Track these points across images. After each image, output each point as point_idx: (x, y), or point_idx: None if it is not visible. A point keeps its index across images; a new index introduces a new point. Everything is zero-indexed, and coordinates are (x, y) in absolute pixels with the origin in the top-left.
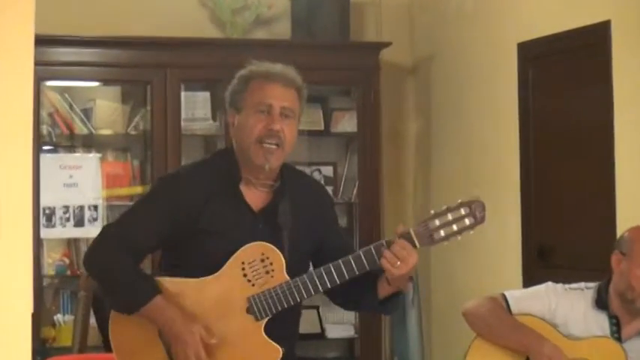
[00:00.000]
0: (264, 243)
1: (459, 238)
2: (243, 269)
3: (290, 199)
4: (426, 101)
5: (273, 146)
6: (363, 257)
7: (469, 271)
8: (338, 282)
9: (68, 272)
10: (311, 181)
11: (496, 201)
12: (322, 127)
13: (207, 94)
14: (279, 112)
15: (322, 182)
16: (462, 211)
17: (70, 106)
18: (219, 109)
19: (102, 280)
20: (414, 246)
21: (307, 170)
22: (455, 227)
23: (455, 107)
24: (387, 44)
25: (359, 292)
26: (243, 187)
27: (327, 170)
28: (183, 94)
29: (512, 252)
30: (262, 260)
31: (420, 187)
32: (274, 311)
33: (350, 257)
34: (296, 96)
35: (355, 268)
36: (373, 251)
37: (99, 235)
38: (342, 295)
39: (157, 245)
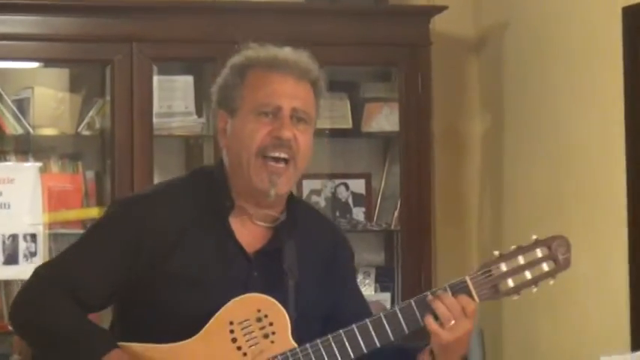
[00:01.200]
0: (262, 295)
1: (535, 289)
2: (232, 332)
3: (296, 240)
4: (496, 88)
5: (282, 164)
6: (399, 315)
7: (557, 331)
8: (365, 351)
9: None
10: (326, 221)
11: (593, 229)
12: (350, 125)
13: (189, 79)
14: (290, 115)
15: (350, 200)
16: (539, 253)
17: None
18: (207, 100)
19: (33, 338)
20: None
21: (330, 185)
22: (528, 275)
23: (535, 96)
24: (440, 9)
25: None
26: (233, 220)
27: (357, 185)
28: (156, 78)
29: (616, 303)
30: (259, 320)
31: (488, 208)
32: None
33: (382, 315)
34: (311, 93)
35: (389, 331)
36: (414, 306)
37: (29, 279)
38: None
39: (109, 296)
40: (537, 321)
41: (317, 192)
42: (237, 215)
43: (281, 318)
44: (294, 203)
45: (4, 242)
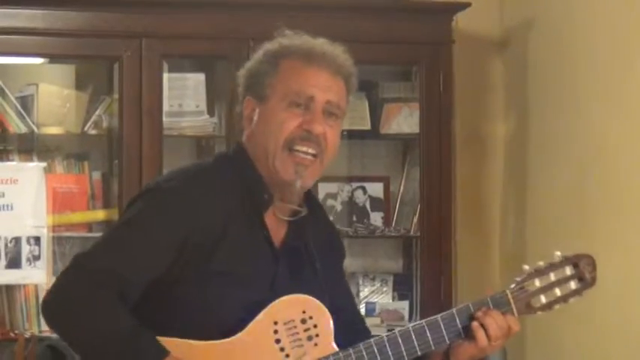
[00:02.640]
0: (307, 297)
1: (561, 306)
2: (276, 332)
3: (314, 234)
4: (520, 89)
5: (309, 156)
6: (441, 324)
7: (582, 350)
8: (406, 358)
9: None
10: (326, 216)
11: (620, 236)
12: (368, 127)
13: (200, 77)
14: (323, 109)
15: (368, 205)
16: (568, 271)
17: (2, 93)
18: (219, 99)
19: (73, 337)
20: (511, 314)
21: (347, 188)
22: (558, 292)
23: (561, 98)
24: (464, 6)
25: None
26: (265, 215)
27: (375, 189)
28: (166, 75)
29: None
30: (303, 321)
31: (511, 213)
32: None
33: (424, 323)
34: (345, 88)
35: (430, 339)
36: (456, 316)
37: (69, 270)
38: None
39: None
40: (561, 339)
41: (333, 195)
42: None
43: (325, 321)
44: (309, 197)
45: (6, 245)
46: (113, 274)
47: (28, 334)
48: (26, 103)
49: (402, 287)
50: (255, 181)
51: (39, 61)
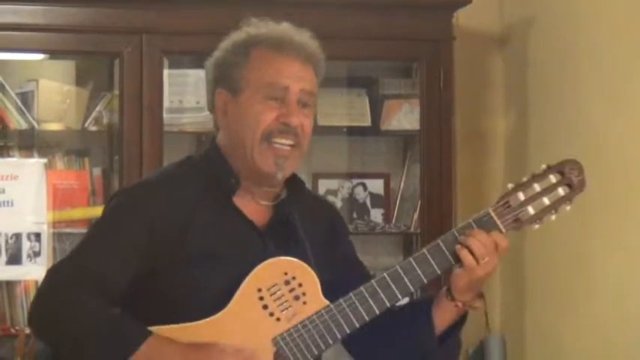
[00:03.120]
0: (287, 258)
1: (554, 216)
2: (262, 299)
3: (300, 213)
4: (521, 86)
5: (287, 147)
6: (429, 256)
7: (582, 338)
8: (400, 297)
9: None
10: (319, 197)
11: (622, 231)
12: (369, 123)
13: (201, 73)
14: (297, 99)
15: (368, 201)
16: (552, 178)
17: (2, 89)
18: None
19: (60, 341)
20: (500, 232)
21: (347, 185)
22: (546, 201)
23: (562, 94)
24: (464, 2)
25: (401, 327)
26: (237, 200)
27: (376, 185)
28: (166, 72)
29: None
30: (287, 282)
31: None
32: (317, 353)
33: (411, 259)
34: (314, 75)
35: (421, 274)
36: (442, 246)
37: (47, 279)
38: (373, 336)
39: (128, 285)
40: (561, 327)
41: (333, 192)
42: (240, 196)
43: (309, 278)
44: (293, 180)
45: (7, 241)
46: (87, 273)
47: (28, 330)
48: (26, 99)
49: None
50: (221, 169)
51: (39, 57)
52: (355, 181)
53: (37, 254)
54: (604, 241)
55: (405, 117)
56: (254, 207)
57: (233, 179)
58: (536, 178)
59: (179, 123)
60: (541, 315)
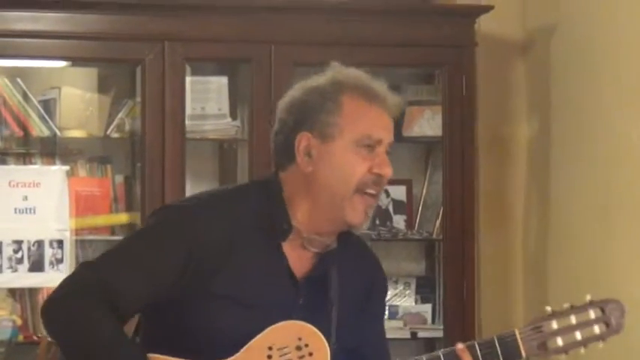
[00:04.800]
0: (304, 323)
1: (583, 351)
2: (270, 357)
3: (341, 268)
4: (543, 92)
5: (373, 198)
6: None
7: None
8: None
9: (20, 338)
10: (369, 252)
11: None
12: None
13: (223, 80)
14: (386, 151)
15: (391, 208)
16: (592, 314)
17: (24, 97)
18: (241, 103)
19: (63, 340)
20: (519, 356)
21: None
22: (579, 336)
23: (585, 101)
24: (487, 9)
25: None
26: (285, 245)
27: (398, 192)
28: (188, 79)
29: None
30: (298, 348)
31: (534, 217)
32: None
33: (424, 357)
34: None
35: None
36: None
37: (72, 275)
38: None
39: (143, 306)
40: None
41: None
42: (290, 239)
43: (321, 349)
44: (346, 232)
45: (29, 248)
46: (106, 284)
47: (50, 338)
48: (49, 107)
49: (424, 290)
50: (277, 210)
51: (62, 64)
52: None
53: (59, 261)
54: (626, 247)
55: (427, 123)
56: (300, 253)
57: (286, 224)
58: (575, 310)
59: (201, 130)
60: None
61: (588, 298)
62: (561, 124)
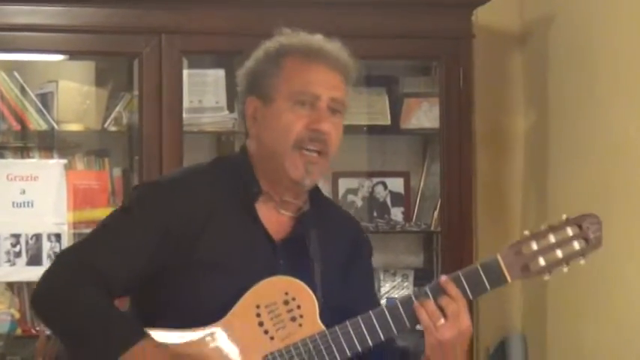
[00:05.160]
0: (289, 278)
1: (566, 269)
2: (259, 315)
3: (319, 230)
4: (541, 84)
5: (315, 154)
6: (401, 308)
7: (603, 337)
8: (395, 332)
9: (19, 331)
10: (348, 216)
11: None
12: (388, 122)
13: (220, 73)
14: (327, 106)
15: (388, 200)
16: (570, 231)
17: (22, 90)
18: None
19: (58, 327)
20: (504, 281)
21: (367, 184)
22: (559, 254)
23: (582, 92)
24: (484, 0)
25: None
26: (259, 207)
27: (396, 184)
28: (186, 72)
29: None
30: (286, 302)
31: (532, 208)
32: None
33: (412, 295)
34: (344, 82)
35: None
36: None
37: (52, 264)
38: None
39: (132, 283)
40: (582, 327)
41: (353, 191)
42: (263, 202)
43: (308, 301)
44: (317, 194)
45: (27, 242)
46: (91, 264)
47: (49, 331)
48: (46, 100)
49: (422, 282)
50: (245, 175)
51: (59, 57)
52: (375, 179)
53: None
54: (625, 242)
55: (424, 115)
56: (275, 217)
57: (256, 187)
58: (552, 229)
59: (199, 123)
60: (562, 315)
61: (564, 216)
62: (559, 116)
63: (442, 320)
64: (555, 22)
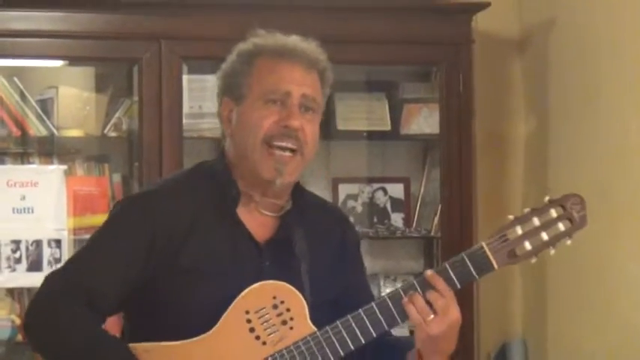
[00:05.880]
0: (276, 282)
1: (552, 251)
2: (249, 321)
3: (305, 228)
4: (541, 89)
5: (287, 152)
6: (390, 304)
7: (603, 340)
8: (387, 328)
9: (19, 337)
10: (332, 207)
11: None
12: (388, 127)
13: None
14: (299, 104)
15: (388, 206)
16: (554, 213)
17: (22, 96)
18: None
19: (48, 351)
20: (491, 268)
21: (367, 189)
22: (545, 236)
23: (583, 98)
24: (483, 6)
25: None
26: (240, 210)
27: (396, 189)
28: (185, 77)
29: None
30: (275, 307)
31: None
32: None
33: (400, 290)
34: (319, 82)
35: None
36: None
37: (40, 288)
38: None
39: (123, 298)
40: (583, 332)
41: (354, 197)
42: (244, 205)
43: (297, 303)
44: (299, 192)
45: (27, 248)
46: (78, 284)
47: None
48: (46, 106)
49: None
50: (223, 179)
51: (58, 63)
52: (375, 185)
53: (57, 261)
54: (626, 245)
55: (424, 121)
56: (258, 219)
57: (235, 190)
58: (536, 212)
59: (198, 129)
60: (563, 319)
61: (547, 198)
62: (559, 121)
63: (432, 316)
64: (555, 26)
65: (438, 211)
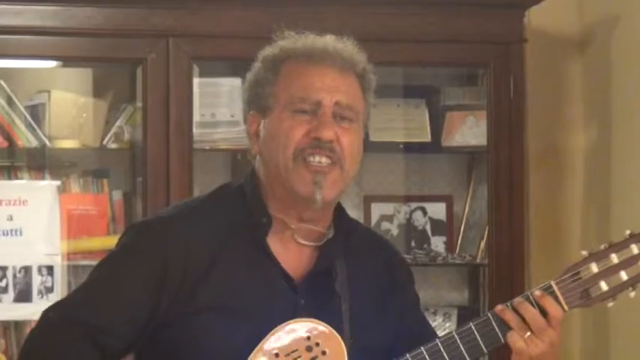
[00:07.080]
0: (310, 320)
1: (633, 293)
2: None
3: (349, 260)
4: (603, 95)
5: (324, 162)
6: (475, 331)
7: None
8: None
9: None
10: (379, 238)
11: None
12: (428, 139)
13: (236, 82)
14: (333, 113)
15: (428, 228)
16: (635, 249)
17: (9, 102)
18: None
19: None
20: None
21: (404, 209)
22: (624, 276)
23: None
24: (538, 0)
25: None
26: (273, 240)
27: (437, 209)
28: (196, 80)
29: None
30: (309, 349)
31: (592, 238)
32: None
33: (454, 334)
34: (358, 86)
35: (464, 351)
36: (492, 320)
37: (37, 324)
38: None
39: (131, 337)
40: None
41: (388, 218)
42: (277, 233)
43: (335, 345)
44: (342, 217)
45: (15, 276)
46: (80, 321)
47: None
48: (37, 113)
49: (467, 322)
50: (253, 204)
51: (51, 64)
52: (413, 205)
53: (49, 290)
54: None
55: (469, 131)
56: (293, 250)
57: (264, 217)
58: (614, 247)
59: (211, 139)
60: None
61: (628, 232)
62: (623, 131)
63: (528, 333)
64: (619, 23)
65: (485, 235)
